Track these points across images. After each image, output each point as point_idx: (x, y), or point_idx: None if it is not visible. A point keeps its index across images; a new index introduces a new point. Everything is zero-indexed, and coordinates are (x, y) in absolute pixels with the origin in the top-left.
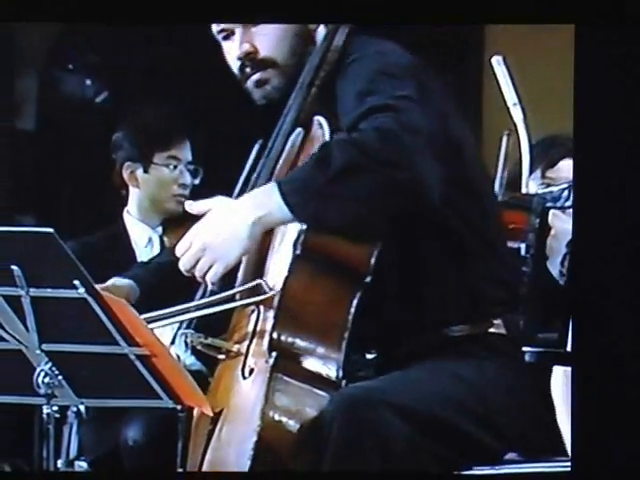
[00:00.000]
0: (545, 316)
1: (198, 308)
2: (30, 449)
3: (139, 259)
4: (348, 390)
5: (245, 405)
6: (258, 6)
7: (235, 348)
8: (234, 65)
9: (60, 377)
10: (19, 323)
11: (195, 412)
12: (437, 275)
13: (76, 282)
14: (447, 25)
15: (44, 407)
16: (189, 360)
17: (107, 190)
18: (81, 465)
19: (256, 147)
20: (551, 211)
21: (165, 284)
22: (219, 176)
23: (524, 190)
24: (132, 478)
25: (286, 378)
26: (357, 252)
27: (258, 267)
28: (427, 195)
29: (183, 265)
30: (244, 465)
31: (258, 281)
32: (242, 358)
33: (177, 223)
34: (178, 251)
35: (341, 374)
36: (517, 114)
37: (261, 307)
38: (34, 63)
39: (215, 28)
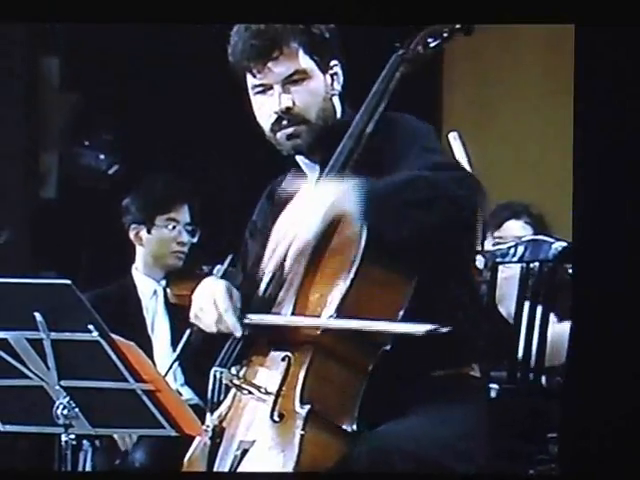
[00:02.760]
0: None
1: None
2: (51, 473)
3: (145, 310)
4: (368, 440)
5: (273, 448)
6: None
7: (263, 390)
8: (267, 118)
9: (76, 409)
10: (41, 362)
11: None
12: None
13: (90, 327)
14: (446, 24)
15: (62, 435)
16: (188, 395)
17: (118, 248)
18: None
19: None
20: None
21: None
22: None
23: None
24: (133, 478)
25: (316, 430)
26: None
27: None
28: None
29: (270, 247)
30: None
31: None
32: (269, 398)
33: (178, 276)
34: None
35: (355, 428)
36: None
37: (295, 353)
38: (56, 140)
39: (252, 82)
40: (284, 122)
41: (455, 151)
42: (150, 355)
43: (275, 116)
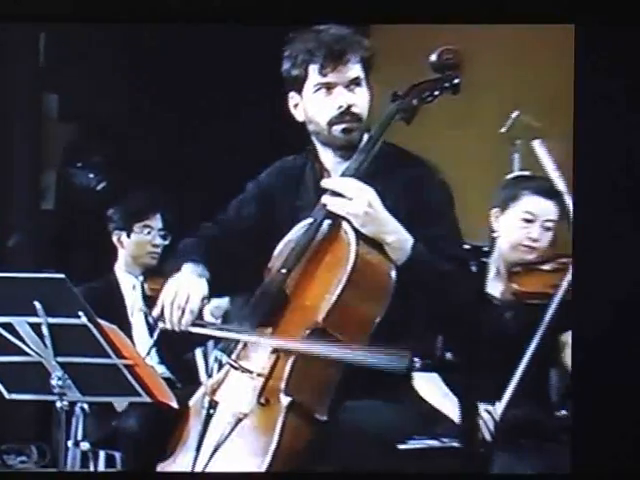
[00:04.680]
0: None
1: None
2: (49, 434)
3: (126, 300)
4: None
5: (257, 430)
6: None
7: (255, 373)
8: (328, 112)
9: (69, 381)
10: (40, 342)
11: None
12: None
13: (80, 313)
14: (448, 25)
15: (57, 402)
16: (161, 369)
17: (104, 250)
18: (85, 445)
19: (308, 221)
20: None
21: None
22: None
23: None
24: (133, 478)
25: (295, 418)
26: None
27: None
28: None
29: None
30: None
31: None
32: (259, 380)
33: (152, 273)
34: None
35: (326, 417)
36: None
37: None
38: (54, 162)
39: (318, 79)
40: (345, 117)
41: (540, 157)
42: (130, 336)
43: (337, 112)
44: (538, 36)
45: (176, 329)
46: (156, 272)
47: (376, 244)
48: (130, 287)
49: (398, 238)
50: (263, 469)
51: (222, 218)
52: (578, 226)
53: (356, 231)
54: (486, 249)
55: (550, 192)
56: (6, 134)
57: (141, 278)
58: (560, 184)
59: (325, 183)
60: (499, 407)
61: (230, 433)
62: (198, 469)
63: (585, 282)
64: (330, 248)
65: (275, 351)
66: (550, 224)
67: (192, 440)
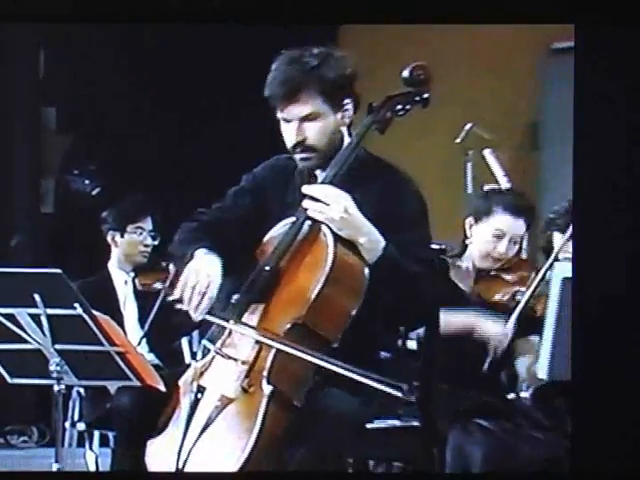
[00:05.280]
0: None
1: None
2: (48, 416)
3: (118, 294)
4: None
5: (239, 416)
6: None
7: (240, 361)
8: (288, 142)
9: (66, 366)
10: (39, 331)
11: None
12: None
13: (76, 305)
14: (448, 25)
15: (55, 386)
16: (150, 357)
17: (98, 249)
18: (81, 425)
19: (291, 219)
20: None
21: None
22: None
23: None
24: (134, 477)
25: (276, 405)
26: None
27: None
28: None
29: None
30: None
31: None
32: (242, 368)
33: (143, 270)
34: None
35: (302, 403)
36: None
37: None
38: (53, 170)
39: (279, 114)
40: (298, 149)
41: (490, 165)
42: (122, 326)
43: (292, 145)
44: (495, 56)
45: (193, 314)
46: (146, 269)
47: (352, 245)
48: (122, 282)
49: (371, 240)
50: (246, 451)
51: (219, 206)
52: (578, 226)
53: (334, 233)
54: (448, 249)
55: (520, 209)
56: (8, 144)
57: (132, 274)
58: (505, 185)
59: (306, 189)
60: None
61: (216, 416)
62: (186, 448)
63: (585, 282)
64: (310, 249)
65: (258, 342)
66: (517, 238)
67: (181, 420)
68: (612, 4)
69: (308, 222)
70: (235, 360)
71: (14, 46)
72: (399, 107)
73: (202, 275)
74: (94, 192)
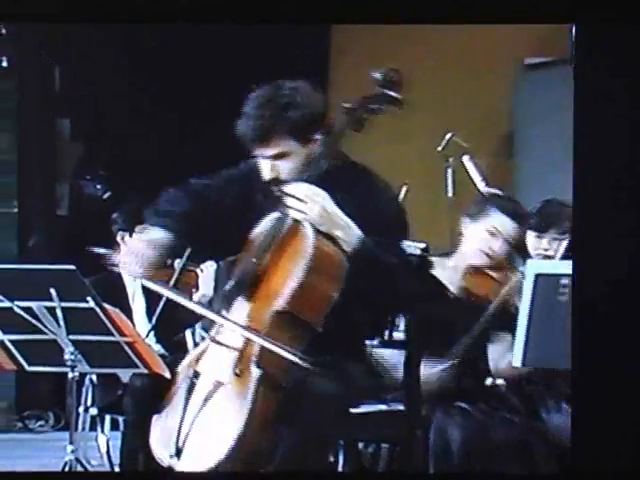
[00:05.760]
0: None
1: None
2: (63, 402)
3: (127, 289)
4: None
5: (234, 397)
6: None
7: (231, 348)
8: (264, 177)
9: (79, 355)
10: (54, 323)
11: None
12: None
13: (88, 298)
14: (447, 24)
15: (69, 374)
16: (156, 347)
17: (109, 248)
18: (93, 410)
19: (275, 215)
20: None
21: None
22: None
23: None
24: (133, 478)
25: (265, 387)
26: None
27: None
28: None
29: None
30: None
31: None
32: (234, 354)
33: None
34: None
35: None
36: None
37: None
38: (68, 175)
39: (253, 153)
40: (273, 184)
41: (469, 171)
42: (130, 318)
43: (267, 180)
44: (474, 72)
45: (126, 273)
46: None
47: (331, 237)
48: (131, 278)
49: (348, 233)
50: (238, 430)
51: (208, 184)
52: (578, 226)
53: (314, 226)
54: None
55: (516, 213)
56: (27, 153)
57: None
58: (485, 190)
59: (286, 189)
60: (436, 375)
61: (210, 398)
62: (184, 430)
63: (585, 281)
64: (292, 241)
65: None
66: (511, 240)
67: (179, 402)
68: (612, 3)
69: (290, 218)
70: (227, 347)
71: (33, 63)
72: (374, 107)
73: (144, 249)
74: (105, 196)
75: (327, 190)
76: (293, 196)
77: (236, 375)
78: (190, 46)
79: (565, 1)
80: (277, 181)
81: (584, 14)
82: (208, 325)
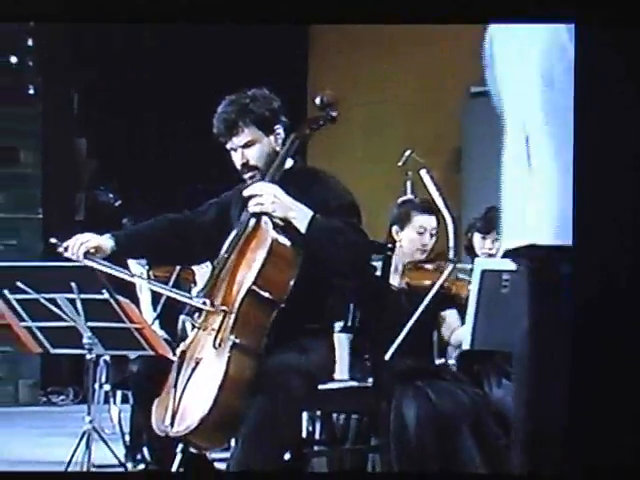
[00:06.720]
0: None
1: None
2: (81, 379)
3: (136, 283)
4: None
5: (212, 365)
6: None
7: (211, 328)
8: (237, 166)
9: (96, 339)
10: (74, 312)
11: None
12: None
13: (104, 291)
14: (447, 24)
15: (87, 355)
16: (161, 332)
17: None
18: (107, 386)
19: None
20: None
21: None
22: None
23: None
24: (134, 477)
25: (238, 353)
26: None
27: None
28: None
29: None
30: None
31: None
32: (214, 333)
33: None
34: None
35: (262, 351)
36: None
37: (229, 307)
38: (84, 186)
39: (227, 145)
40: (245, 170)
41: (426, 183)
42: (139, 308)
43: (240, 166)
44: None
45: (69, 256)
46: None
47: (286, 228)
48: (139, 273)
49: (299, 213)
50: (213, 394)
51: (197, 210)
52: (578, 226)
53: (272, 222)
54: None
55: (432, 209)
56: (50, 168)
57: (147, 267)
58: (441, 203)
59: (244, 192)
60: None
61: (193, 372)
62: (175, 404)
63: (585, 281)
64: (254, 236)
65: (223, 311)
66: (434, 232)
67: (171, 382)
68: (613, 3)
69: (253, 219)
70: (207, 329)
71: (55, 91)
72: (315, 125)
73: (92, 242)
74: (116, 204)
75: (287, 187)
76: (251, 194)
77: (215, 348)
78: (193, 58)
79: (565, 1)
80: (247, 166)
81: (584, 14)
82: (190, 312)
